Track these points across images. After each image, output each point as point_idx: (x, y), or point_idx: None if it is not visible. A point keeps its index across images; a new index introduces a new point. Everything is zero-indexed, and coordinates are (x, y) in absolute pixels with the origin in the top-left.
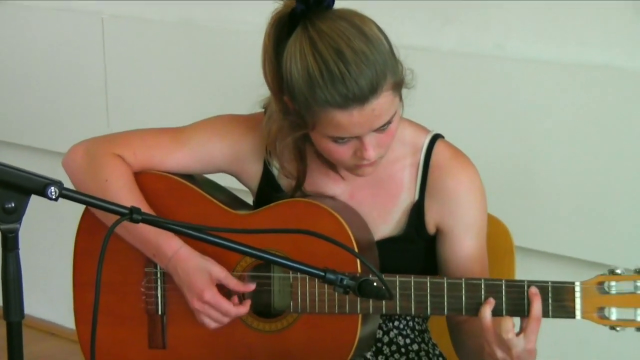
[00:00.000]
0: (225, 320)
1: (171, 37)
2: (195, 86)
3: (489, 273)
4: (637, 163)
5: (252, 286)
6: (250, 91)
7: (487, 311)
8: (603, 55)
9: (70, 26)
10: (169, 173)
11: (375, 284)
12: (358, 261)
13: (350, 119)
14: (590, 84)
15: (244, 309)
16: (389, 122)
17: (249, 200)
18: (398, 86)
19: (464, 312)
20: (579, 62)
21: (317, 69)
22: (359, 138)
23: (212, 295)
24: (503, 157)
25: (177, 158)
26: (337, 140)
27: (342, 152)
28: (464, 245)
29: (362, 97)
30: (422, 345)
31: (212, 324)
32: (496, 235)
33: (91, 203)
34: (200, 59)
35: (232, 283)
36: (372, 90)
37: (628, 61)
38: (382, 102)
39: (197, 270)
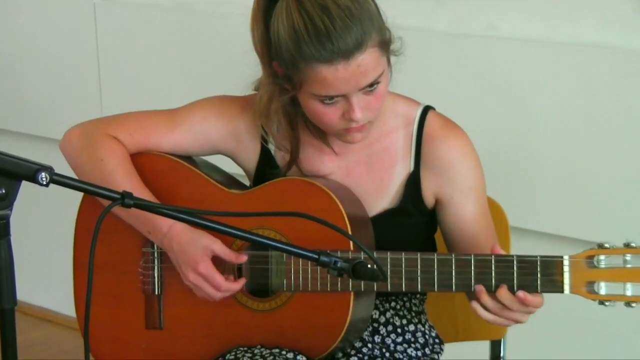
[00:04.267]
0: (219, 295)
1: (164, 20)
2: (189, 70)
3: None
4: (630, 143)
5: (244, 257)
6: (244, 74)
7: (476, 305)
8: (596, 34)
9: (63, 11)
10: (166, 154)
11: (369, 265)
12: (351, 241)
13: (335, 74)
14: (584, 63)
15: (237, 285)
16: (377, 83)
17: (245, 183)
18: (384, 45)
19: (454, 289)
20: (572, 42)
21: (303, 24)
22: (346, 98)
23: (206, 267)
24: (497, 137)
25: (172, 138)
26: (324, 100)
27: (330, 114)
28: (466, 212)
29: (347, 52)
30: (419, 326)
31: (209, 297)
32: (491, 216)
33: (82, 188)
34: (193, 42)
35: (225, 253)
36: (357, 46)
37: (621, 40)
38: (368, 59)
39: (192, 243)
